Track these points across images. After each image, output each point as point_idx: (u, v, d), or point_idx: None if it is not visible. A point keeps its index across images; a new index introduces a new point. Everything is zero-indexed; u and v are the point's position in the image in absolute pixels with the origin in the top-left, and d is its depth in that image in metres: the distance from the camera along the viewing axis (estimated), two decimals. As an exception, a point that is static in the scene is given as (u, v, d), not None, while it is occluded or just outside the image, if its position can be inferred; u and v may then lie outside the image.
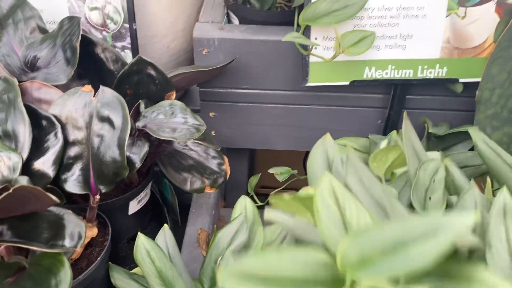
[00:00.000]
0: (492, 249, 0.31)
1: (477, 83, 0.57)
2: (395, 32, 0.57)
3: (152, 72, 0.55)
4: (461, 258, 0.30)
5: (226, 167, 0.62)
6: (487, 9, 0.56)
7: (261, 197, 0.80)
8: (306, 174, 0.76)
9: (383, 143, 0.55)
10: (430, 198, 0.38)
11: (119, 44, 0.64)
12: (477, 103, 0.57)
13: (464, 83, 0.61)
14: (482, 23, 0.57)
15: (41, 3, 0.63)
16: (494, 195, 0.40)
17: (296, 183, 0.73)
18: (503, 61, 0.55)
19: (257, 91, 0.65)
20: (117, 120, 0.46)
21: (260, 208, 0.73)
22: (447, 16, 0.56)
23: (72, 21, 0.53)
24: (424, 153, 0.44)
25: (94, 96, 0.47)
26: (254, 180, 0.73)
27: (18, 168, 0.41)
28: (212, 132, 0.70)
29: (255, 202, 0.74)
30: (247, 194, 0.77)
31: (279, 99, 0.66)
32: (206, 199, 0.69)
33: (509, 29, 0.54)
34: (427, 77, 0.60)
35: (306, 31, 0.57)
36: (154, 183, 0.68)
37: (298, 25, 0.57)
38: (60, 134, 0.45)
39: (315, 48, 0.57)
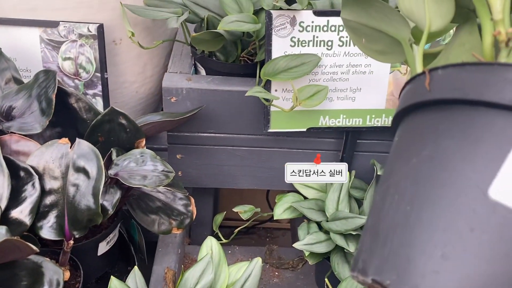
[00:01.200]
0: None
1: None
2: (346, 86, 0.64)
3: (124, 121, 0.58)
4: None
5: (193, 208, 0.65)
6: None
7: (225, 230, 0.84)
8: (268, 211, 0.81)
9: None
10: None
11: (90, 92, 0.67)
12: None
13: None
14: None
15: (15, 51, 0.65)
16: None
17: (259, 217, 0.78)
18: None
19: (222, 135, 0.70)
20: (92, 171, 0.49)
21: (225, 245, 0.77)
22: (390, 73, 0.64)
23: (48, 74, 0.57)
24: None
25: (70, 148, 0.50)
26: (219, 218, 0.77)
27: (-4, 218, 0.44)
28: (179, 173, 0.74)
29: (219, 239, 0.78)
30: (212, 231, 0.81)
31: (243, 142, 0.71)
32: (172, 238, 0.72)
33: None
34: (375, 125, 0.67)
35: (267, 84, 0.62)
36: (121, 223, 0.70)
37: (260, 77, 0.63)
38: (37, 185, 0.47)
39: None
